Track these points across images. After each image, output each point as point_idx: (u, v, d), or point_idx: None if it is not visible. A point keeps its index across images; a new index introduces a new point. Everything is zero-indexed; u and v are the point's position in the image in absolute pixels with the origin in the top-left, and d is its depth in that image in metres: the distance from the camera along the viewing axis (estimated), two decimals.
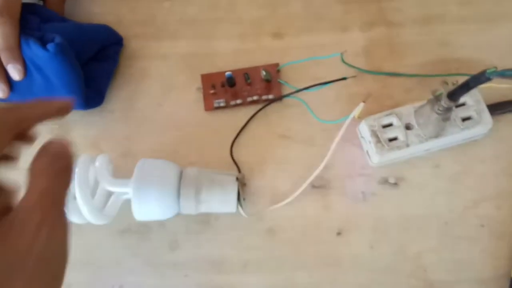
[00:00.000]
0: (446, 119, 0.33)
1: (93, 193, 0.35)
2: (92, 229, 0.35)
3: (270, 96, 0.40)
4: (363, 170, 0.37)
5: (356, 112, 0.34)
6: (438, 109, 0.32)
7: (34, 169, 0.19)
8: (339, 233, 0.36)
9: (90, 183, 0.35)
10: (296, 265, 0.36)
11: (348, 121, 0.34)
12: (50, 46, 0.34)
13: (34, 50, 0.35)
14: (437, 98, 0.32)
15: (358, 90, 0.40)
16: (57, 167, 0.19)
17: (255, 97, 0.40)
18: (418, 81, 0.39)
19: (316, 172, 0.35)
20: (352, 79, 0.39)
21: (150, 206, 0.33)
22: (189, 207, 0.34)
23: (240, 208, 0.35)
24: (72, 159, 0.19)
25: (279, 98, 0.39)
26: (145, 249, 0.37)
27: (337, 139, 0.34)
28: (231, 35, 0.43)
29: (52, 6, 0.41)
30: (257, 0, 0.44)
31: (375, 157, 0.35)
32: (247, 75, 0.40)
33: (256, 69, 0.40)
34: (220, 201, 0.34)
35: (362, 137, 0.37)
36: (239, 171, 0.38)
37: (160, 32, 0.44)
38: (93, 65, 0.40)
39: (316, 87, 0.38)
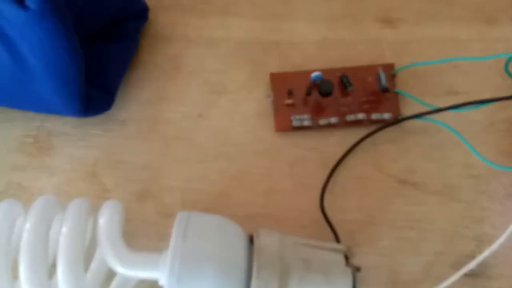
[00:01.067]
0: None
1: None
2: None
3: (386, 116, 0.25)
4: None
5: None
6: None
7: None
8: None
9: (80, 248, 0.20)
10: None
11: None
12: (30, 1, 0.19)
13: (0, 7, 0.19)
14: None
15: None
16: None
17: (360, 116, 0.25)
18: None
19: (480, 258, 0.20)
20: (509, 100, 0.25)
21: None
22: None
23: None
24: None
25: (401, 119, 0.24)
26: None
27: None
28: (315, 17, 0.28)
29: None
30: None
31: None
32: (346, 79, 0.25)
33: (360, 70, 0.26)
34: None
35: None
36: (336, 237, 0.23)
37: (204, 4, 0.28)
38: (100, 45, 0.25)
39: (465, 107, 0.23)
